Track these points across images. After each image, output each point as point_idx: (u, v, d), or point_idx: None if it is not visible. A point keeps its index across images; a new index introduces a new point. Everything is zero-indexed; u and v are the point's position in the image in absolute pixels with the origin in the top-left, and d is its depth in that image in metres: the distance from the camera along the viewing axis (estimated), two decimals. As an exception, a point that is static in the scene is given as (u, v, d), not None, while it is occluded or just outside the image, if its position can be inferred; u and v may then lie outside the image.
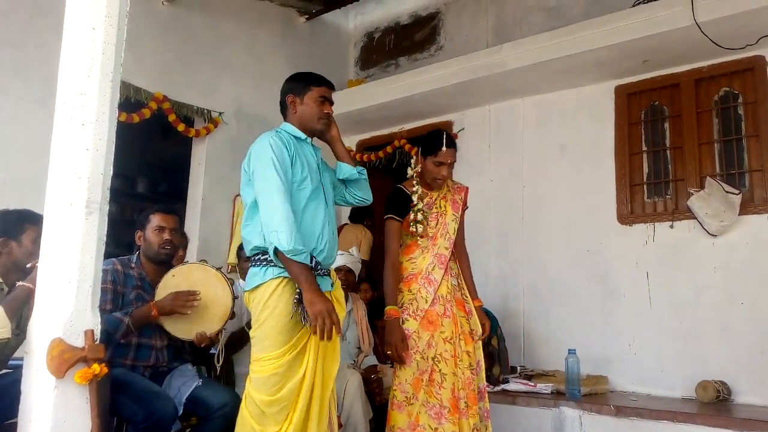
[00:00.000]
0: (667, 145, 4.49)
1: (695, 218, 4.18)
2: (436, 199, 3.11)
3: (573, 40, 4.33)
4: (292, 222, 2.29)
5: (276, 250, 2.28)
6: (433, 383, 2.86)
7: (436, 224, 3.05)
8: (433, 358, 2.88)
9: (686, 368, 4.06)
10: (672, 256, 4.29)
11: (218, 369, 3.05)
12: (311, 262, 2.36)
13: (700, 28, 3.84)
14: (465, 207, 3.22)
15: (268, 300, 2.35)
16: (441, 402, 2.83)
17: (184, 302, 2.79)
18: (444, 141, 2.96)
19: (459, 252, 3.16)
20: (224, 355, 3.20)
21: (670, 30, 3.96)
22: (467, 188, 3.27)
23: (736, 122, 4.27)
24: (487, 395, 3.02)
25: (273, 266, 2.37)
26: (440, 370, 2.87)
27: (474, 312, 3.06)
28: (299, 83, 2.63)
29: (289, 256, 2.26)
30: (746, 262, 4.00)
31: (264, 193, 2.36)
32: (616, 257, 4.52)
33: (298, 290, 2.32)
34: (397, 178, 6.79)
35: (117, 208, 5.98)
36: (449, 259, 3.04)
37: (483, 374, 3.03)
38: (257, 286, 2.39)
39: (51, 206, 2.21)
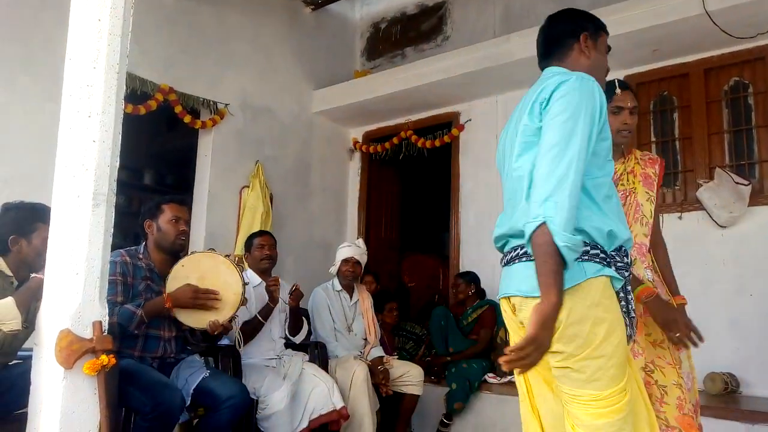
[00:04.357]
0: (676, 136, 4.46)
1: (704, 209, 4.14)
2: (621, 174, 2.40)
3: (581, 30, 4.29)
4: (576, 203, 1.58)
5: (536, 229, 1.53)
6: (652, 399, 2.19)
7: (625, 204, 2.33)
8: (643, 368, 2.25)
9: (694, 360, 4.03)
10: (681, 247, 4.23)
11: (241, 348, 3.06)
12: (621, 259, 1.72)
13: (710, 17, 3.80)
14: (660, 183, 2.47)
15: (598, 307, 1.61)
16: (667, 422, 2.21)
17: (205, 301, 2.81)
18: (616, 84, 2.36)
19: (655, 241, 2.46)
20: (242, 339, 3.24)
21: (680, 19, 3.91)
22: (662, 160, 2.51)
23: (746, 112, 4.22)
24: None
25: (590, 260, 1.63)
26: (656, 381, 2.26)
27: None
28: (592, 24, 1.93)
29: (561, 242, 1.50)
30: (756, 254, 3.97)
31: (560, 142, 1.59)
32: (624, 248, 4.49)
33: (622, 295, 1.73)
34: (404, 169, 6.81)
35: (124, 200, 6.00)
36: (649, 250, 2.41)
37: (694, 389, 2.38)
38: (574, 286, 1.60)
39: (58, 198, 2.22)
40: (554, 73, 1.84)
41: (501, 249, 1.87)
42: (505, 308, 1.85)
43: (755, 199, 4.00)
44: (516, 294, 1.72)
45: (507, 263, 1.79)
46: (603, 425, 1.59)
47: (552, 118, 1.64)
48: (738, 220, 4.03)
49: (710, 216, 4.11)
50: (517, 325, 1.80)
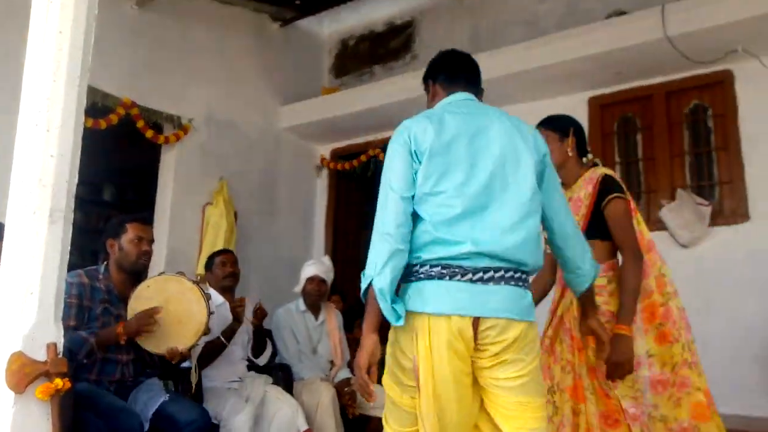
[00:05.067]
0: (639, 157, 4.54)
1: (667, 230, 4.22)
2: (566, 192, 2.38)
3: (547, 52, 4.36)
4: None
5: None
6: (551, 422, 2.28)
7: None
8: (549, 389, 2.32)
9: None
10: (644, 266, 4.32)
11: (193, 387, 2.98)
12: None
13: (670, 41, 3.90)
14: (593, 201, 2.39)
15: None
16: None
17: (148, 321, 2.68)
18: None
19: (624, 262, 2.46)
20: (197, 370, 3.15)
21: (642, 43, 4.01)
22: (600, 177, 2.41)
23: (706, 135, 4.34)
24: None
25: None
26: (555, 402, 2.33)
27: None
28: None
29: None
30: (717, 273, 4.04)
31: None
32: (589, 268, 4.53)
33: None
34: (371, 187, 6.78)
35: (82, 217, 5.84)
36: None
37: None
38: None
39: (13, 214, 2.13)
40: (510, 116, 2.11)
41: (456, 259, 1.73)
42: (460, 327, 1.68)
43: (715, 219, 4.09)
44: (507, 316, 1.70)
45: (480, 281, 1.72)
46: (543, 428, 1.76)
47: (558, 188, 1.99)
48: (699, 240, 4.11)
49: (672, 236, 4.18)
50: (466, 347, 1.69)
